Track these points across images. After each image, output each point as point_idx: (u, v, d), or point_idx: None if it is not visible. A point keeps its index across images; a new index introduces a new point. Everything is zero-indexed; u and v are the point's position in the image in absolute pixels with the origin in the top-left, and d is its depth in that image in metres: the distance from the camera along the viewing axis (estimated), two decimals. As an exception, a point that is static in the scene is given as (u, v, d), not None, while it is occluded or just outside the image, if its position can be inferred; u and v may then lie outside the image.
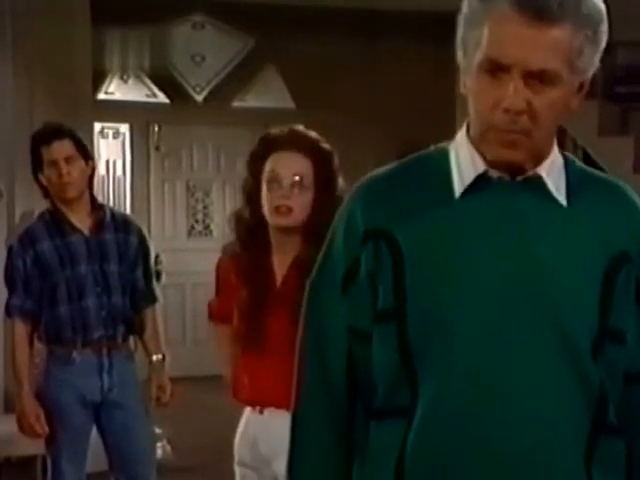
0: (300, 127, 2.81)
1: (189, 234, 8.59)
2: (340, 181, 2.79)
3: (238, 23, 8.07)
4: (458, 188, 1.58)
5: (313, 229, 2.62)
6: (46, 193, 3.80)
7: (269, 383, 2.68)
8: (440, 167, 1.61)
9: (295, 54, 8.15)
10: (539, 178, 1.58)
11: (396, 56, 8.22)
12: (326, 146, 2.79)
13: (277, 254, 2.79)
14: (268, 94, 8.47)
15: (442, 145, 1.67)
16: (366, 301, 1.60)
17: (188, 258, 8.35)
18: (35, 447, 4.52)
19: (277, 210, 2.70)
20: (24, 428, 3.77)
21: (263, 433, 2.75)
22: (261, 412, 2.76)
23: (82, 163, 3.74)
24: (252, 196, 2.78)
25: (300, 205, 2.70)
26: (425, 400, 1.55)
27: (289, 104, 8.44)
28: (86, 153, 3.78)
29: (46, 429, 3.72)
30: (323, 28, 8.05)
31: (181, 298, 8.45)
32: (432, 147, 1.69)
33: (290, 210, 2.70)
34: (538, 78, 1.49)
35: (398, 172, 1.66)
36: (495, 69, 1.50)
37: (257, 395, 2.76)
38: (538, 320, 1.53)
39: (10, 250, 3.78)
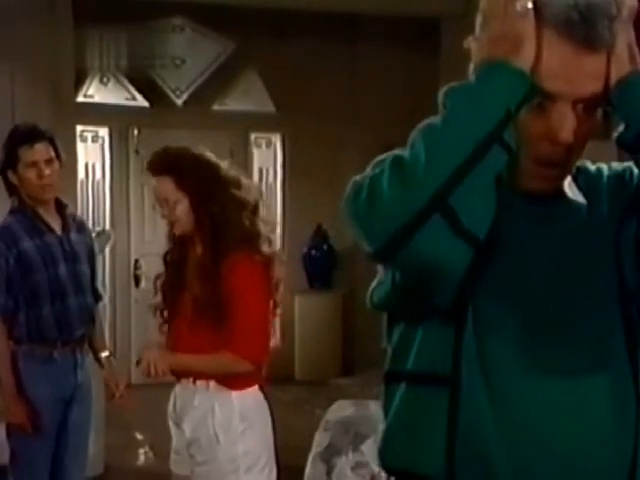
0: (163, 148, 3.21)
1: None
2: (229, 173, 3.15)
3: (218, 26, 8.05)
4: None
5: (202, 227, 3.10)
6: (12, 191, 3.77)
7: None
8: None
9: (276, 58, 8.14)
10: (561, 190, 1.57)
11: (377, 59, 8.22)
12: (185, 157, 3.14)
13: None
14: (248, 98, 8.44)
15: None
16: None
17: (168, 263, 8.28)
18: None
19: (170, 226, 3.20)
20: (12, 427, 3.74)
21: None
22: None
23: (57, 165, 3.77)
24: None
25: (179, 216, 3.14)
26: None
27: (269, 108, 8.42)
28: (59, 155, 3.80)
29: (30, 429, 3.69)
30: (304, 32, 8.05)
31: (161, 303, 8.36)
32: None
33: (173, 223, 3.17)
34: (583, 104, 1.45)
35: None
36: (541, 99, 1.44)
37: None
38: (577, 329, 1.51)
39: None
